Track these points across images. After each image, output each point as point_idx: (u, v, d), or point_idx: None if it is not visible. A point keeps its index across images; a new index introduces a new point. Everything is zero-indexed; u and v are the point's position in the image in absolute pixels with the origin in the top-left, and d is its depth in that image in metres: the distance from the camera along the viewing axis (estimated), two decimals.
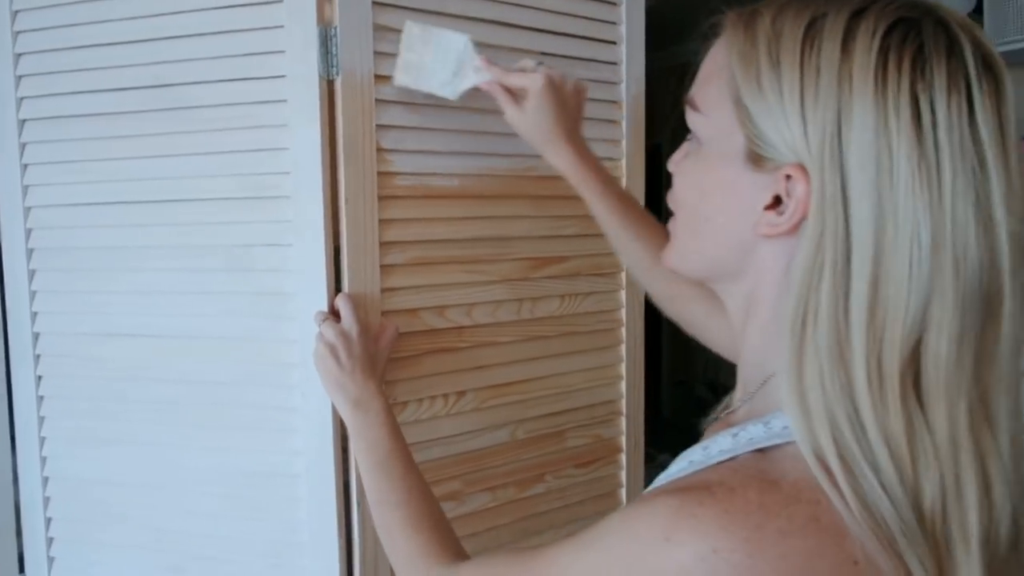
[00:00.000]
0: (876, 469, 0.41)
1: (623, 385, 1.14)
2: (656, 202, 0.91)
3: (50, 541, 1.02)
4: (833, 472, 0.41)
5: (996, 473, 0.42)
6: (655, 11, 1.15)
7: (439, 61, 0.87)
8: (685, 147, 0.54)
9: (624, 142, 1.11)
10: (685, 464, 0.49)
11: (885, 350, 0.41)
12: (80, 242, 0.97)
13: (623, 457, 1.15)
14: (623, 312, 1.13)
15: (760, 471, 0.43)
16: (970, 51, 0.42)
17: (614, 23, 1.09)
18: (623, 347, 1.14)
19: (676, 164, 0.55)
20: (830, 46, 0.43)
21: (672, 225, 0.56)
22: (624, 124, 1.11)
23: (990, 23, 2.22)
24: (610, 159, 1.11)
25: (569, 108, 0.86)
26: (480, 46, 0.88)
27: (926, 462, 0.41)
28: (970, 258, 0.41)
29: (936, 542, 0.41)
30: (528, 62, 0.87)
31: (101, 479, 0.98)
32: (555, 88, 0.84)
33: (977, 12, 2.27)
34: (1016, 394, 0.44)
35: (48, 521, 1.02)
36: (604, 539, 0.46)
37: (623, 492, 1.15)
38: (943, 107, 0.41)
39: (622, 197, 0.86)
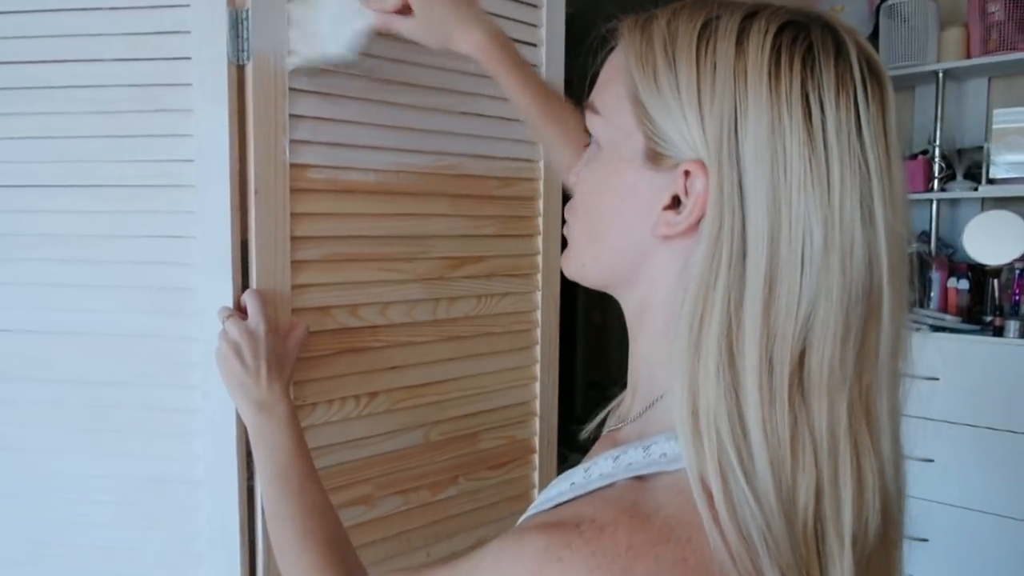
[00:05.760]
0: (752, 476, 0.40)
1: (537, 386, 1.14)
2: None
3: None
4: (710, 485, 0.40)
5: (870, 470, 0.43)
6: (576, 15, 1.16)
7: (325, 24, 0.83)
8: (585, 155, 0.54)
9: None
10: (566, 486, 0.47)
11: (777, 348, 0.41)
12: None
13: (536, 458, 1.15)
14: (539, 313, 1.14)
15: (634, 504, 0.42)
16: (855, 54, 0.43)
17: (535, 25, 1.09)
18: (538, 348, 1.14)
19: (577, 174, 0.55)
20: (724, 44, 0.43)
21: (568, 232, 0.55)
22: None
23: (884, 48, 2.37)
24: (529, 160, 1.11)
25: None
26: None
27: (804, 461, 0.41)
28: (856, 256, 0.42)
29: (807, 542, 0.41)
30: None
31: None
32: None
33: (873, 37, 2.42)
34: (895, 393, 0.45)
35: None
36: (473, 574, 0.45)
37: (535, 493, 1.15)
38: (832, 106, 0.42)
39: (536, 78, 0.85)
